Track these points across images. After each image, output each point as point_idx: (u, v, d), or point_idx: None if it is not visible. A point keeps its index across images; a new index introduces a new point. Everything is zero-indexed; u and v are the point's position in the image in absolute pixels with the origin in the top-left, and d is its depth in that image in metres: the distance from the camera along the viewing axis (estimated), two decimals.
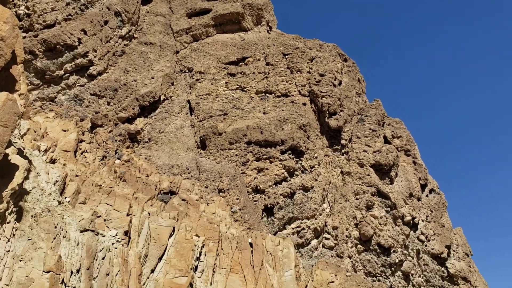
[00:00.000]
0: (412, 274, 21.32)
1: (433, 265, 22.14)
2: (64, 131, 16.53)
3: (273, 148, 21.22)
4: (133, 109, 21.53)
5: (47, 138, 15.35)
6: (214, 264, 14.92)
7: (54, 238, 9.86)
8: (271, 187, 20.67)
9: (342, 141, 23.45)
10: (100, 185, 14.71)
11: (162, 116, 22.20)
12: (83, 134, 17.31)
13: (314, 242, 20.81)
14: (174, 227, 14.65)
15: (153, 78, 22.67)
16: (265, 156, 21.05)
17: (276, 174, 20.92)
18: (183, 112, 22.69)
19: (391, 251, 20.69)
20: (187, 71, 24.53)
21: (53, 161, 14.11)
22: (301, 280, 17.47)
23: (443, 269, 22.34)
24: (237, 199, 19.38)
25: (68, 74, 20.86)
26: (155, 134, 21.50)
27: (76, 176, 14.41)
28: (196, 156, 20.92)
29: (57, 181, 12.36)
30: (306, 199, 20.91)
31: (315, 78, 24.05)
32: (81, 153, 16.52)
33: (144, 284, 12.72)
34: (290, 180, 21.10)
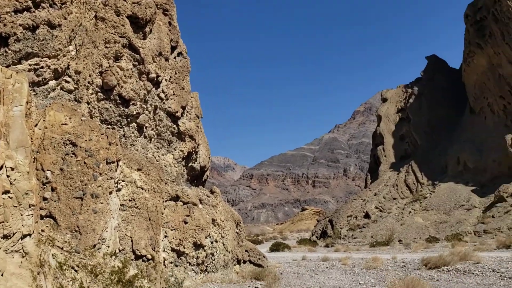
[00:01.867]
0: (146, 127, 22.87)
1: (167, 121, 24.11)
2: None
3: None
4: None
5: None
6: None
7: None
8: (9, 14, 17.99)
9: None
10: None
11: None
12: None
13: (52, 83, 19.68)
14: None
15: None
16: None
17: (17, 1, 18.21)
18: None
19: (131, 103, 21.45)
20: None
21: None
22: (32, 118, 16.63)
23: (174, 126, 24.61)
24: None
25: None
26: None
27: None
28: None
29: None
30: (50, 36, 19.14)
31: None
32: None
33: None
34: (34, 12, 18.72)
